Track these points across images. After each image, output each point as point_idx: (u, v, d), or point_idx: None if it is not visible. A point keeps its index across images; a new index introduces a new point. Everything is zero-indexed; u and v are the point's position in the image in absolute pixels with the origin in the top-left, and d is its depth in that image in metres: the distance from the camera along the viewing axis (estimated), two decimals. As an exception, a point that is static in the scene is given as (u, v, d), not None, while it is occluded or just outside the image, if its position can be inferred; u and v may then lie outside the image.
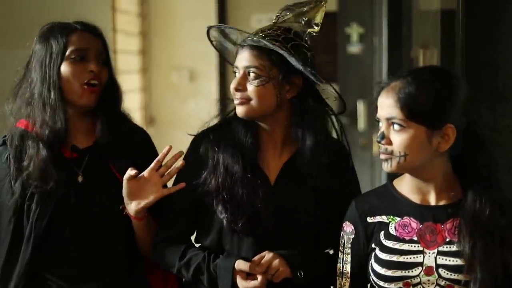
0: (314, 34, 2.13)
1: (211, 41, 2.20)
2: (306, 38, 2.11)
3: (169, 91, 6.49)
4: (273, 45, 2.03)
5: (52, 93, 2.14)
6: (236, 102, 2.09)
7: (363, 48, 5.21)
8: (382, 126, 1.90)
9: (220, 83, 6.40)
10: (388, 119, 1.88)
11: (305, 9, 2.13)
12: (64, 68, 2.15)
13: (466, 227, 1.86)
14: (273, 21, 2.14)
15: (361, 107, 5.08)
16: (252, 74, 2.05)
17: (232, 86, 2.08)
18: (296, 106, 2.09)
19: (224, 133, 2.13)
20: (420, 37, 3.81)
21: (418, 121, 1.85)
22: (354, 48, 5.24)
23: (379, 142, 1.90)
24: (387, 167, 1.90)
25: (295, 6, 2.14)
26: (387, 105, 1.88)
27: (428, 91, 1.85)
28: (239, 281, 2.01)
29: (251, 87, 2.06)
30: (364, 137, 5.10)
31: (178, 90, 6.47)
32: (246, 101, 2.07)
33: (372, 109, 5.00)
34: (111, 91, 2.24)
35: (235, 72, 2.11)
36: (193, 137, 2.19)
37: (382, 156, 1.90)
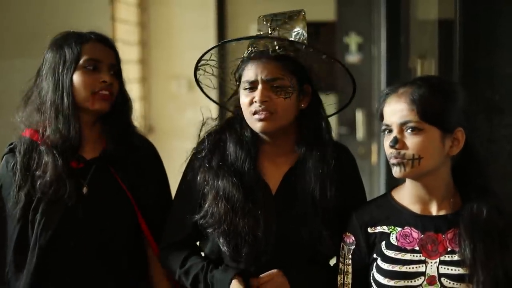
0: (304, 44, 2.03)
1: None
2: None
3: (168, 100, 6.48)
4: (306, 46, 1.95)
5: (66, 101, 2.13)
6: (257, 117, 1.98)
7: (361, 57, 5.22)
8: (394, 131, 1.88)
9: (219, 93, 6.40)
10: (402, 124, 1.87)
11: (286, 20, 2.04)
12: (77, 77, 2.15)
13: (466, 231, 1.87)
14: (269, 33, 2.03)
15: (359, 116, 5.08)
16: (277, 86, 1.97)
17: (258, 98, 1.96)
18: (307, 116, 2.04)
19: (220, 157, 2.06)
20: (418, 47, 3.82)
21: (433, 123, 1.85)
22: (353, 57, 5.25)
23: (392, 147, 1.87)
24: (399, 171, 1.88)
25: (278, 16, 2.05)
26: (399, 110, 1.88)
27: (439, 94, 1.87)
28: None
29: (278, 100, 1.97)
30: (363, 146, 5.10)
31: (177, 99, 6.46)
32: (270, 114, 1.97)
33: (370, 118, 5.03)
34: (121, 104, 2.23)
35: (246, 88, 2.01)
36: (191, 148, 2.16)
37: (394, 160, 1.88)
